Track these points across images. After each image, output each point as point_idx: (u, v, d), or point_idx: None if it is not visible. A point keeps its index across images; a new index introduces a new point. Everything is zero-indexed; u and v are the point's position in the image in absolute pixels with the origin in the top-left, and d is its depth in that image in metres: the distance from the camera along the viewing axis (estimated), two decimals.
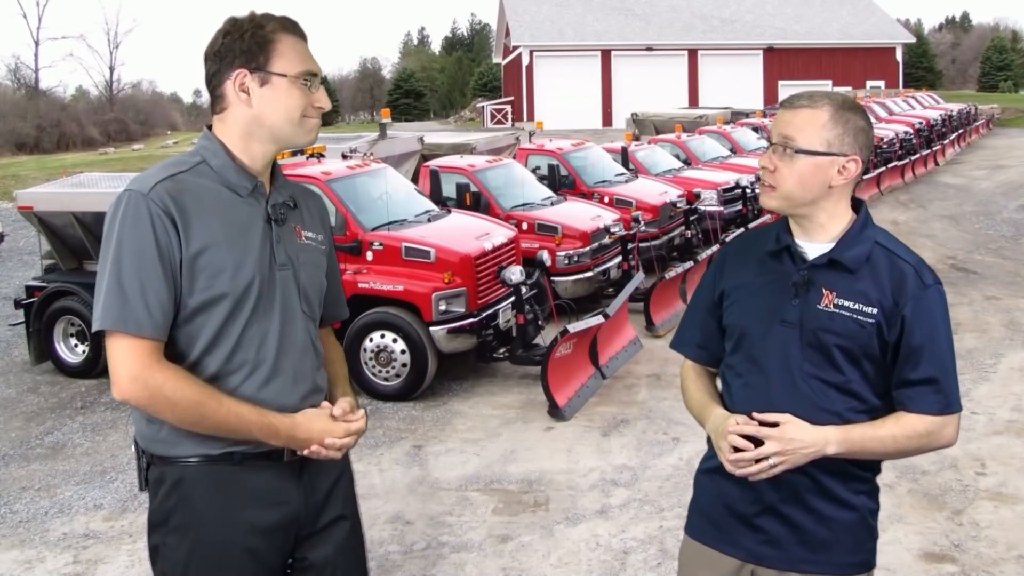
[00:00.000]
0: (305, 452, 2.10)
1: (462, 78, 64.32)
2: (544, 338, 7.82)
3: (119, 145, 41.15)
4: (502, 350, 7.69)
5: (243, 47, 2.08)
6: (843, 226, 2.10)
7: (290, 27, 2.12)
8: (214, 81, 2.12)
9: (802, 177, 2.05)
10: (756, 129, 18.29)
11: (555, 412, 6.79)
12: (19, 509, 5.55)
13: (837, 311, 2.03)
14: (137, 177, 2.08)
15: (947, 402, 2.04)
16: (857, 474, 2.09)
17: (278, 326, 2.10)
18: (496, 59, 53.44)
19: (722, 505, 2.17)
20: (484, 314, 7.55)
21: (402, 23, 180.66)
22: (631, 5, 45.14)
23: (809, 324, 2.04)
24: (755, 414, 2.03)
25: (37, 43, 53.12)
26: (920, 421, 2.03)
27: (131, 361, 1.98)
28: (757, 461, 2.02)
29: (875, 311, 2.02)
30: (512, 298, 7.71)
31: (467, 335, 7.42)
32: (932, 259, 12.33)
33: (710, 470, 2.21)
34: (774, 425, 2.02)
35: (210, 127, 2.16)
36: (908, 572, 4.38)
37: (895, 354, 2.03)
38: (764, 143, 17.60)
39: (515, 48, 43.09)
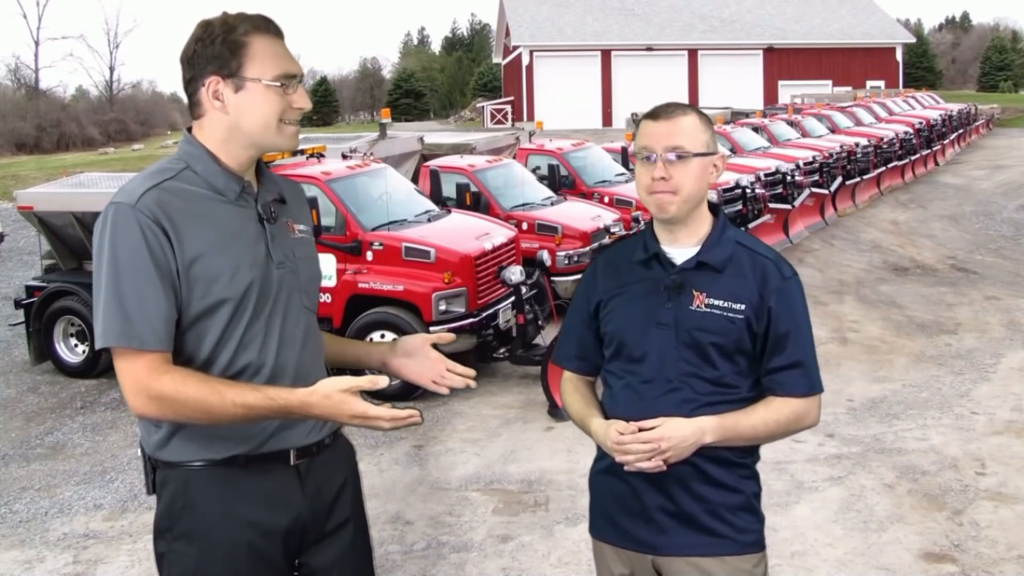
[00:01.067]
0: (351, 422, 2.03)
1: (462, 78, 64.28)
2: (544, 338, 7.83)
3: (119, 145, 41.17)
4: (502, 350, 7.68)
5: (214, 53, 2.02)
6: (706, 229, 2.25)
7: (263, 27, 2.05)
8: (189, 88, 2.08)
9: (696, 179, 2.19)
10: (756, 129, 18.26)
11: (555, 412, 6.78)
12: (19, 509, 5.55)
13: (709, 310, 2.17)
14: (122, 188, 2.02)
15: (811, 383, 2.21)
16: (737, 461, 2.22)
17: (279, 325, 2.08)
18: (496, 59, 53.42)
19: (616, 503, 2.30)
20: (484, 314, 7.54)
21: (402, 23, 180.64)
22: (631, 5, 45.13)
23: (684, 324, 2.18)
24: (633, 424, 2.14)
25: (37, 43, 53.20)
26: (787, 404, 2.19)
27: (135, 375, 1.96)
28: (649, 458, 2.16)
29: (743, 307, 2.16)
30: (512, 298, 7.71)
31: (467, 335, 7.41)
32: (932, 259, 12.35)
33: (602, 471, 2.36)
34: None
35: (191, 130, 2.13)
36: (908, 572, 4.38)
37: (764, 344, 2.18)
38: (765, 143, 17.58)
39: (515, 48, 43.09)
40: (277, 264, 2.09)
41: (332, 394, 1.96)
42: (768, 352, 2.18)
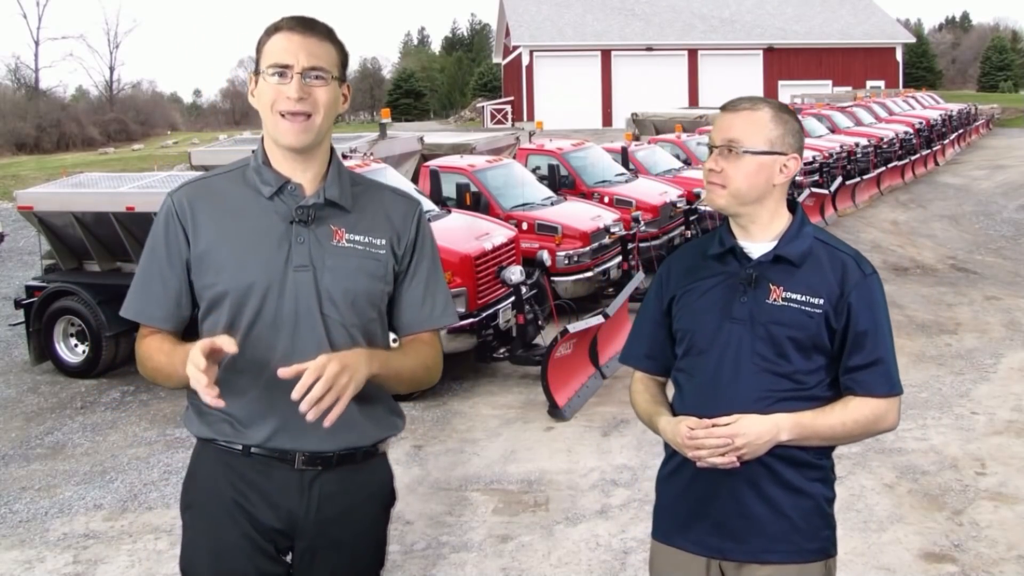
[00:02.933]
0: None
1: (462, 78, 64.28)
2: (544, 338, 7.82)
3: (119, 145, 41.13)
4: (502, 350, 7.68)
5: (255, 55, 2.13)
6: (783, 225, 2.21)
7: (286, 25, 2.10)
8: None
9: (748, 176, 2.15)
10: None
11: (555, 412, 6.79)
12: (19, 509, 5.55)
13: (786, 304, 2.13)
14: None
15: (892, 383, 2.16)
16: (811, 461, 2.17)
17: (290, 327, 2.09)
18: (496, 59, 53.41)
19: (684, 506, 2.25)
20: (484, 314, 7.55)
21: (402, 23, 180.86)
22: (631, 5, 45.13)
23: (760, 319, 2.14)
24: (706, 420, 2.11)
25: (37, 43, 53.19)
26: (867, 404, 2.14)
27: (136, 343, 2.18)
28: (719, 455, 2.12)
29: (821, 301, 2.12)
30: (512, 298, 7.71)
31: (467, 335, 7.41)
32: (932, 259, 12.35)
33: (669, 474, 2.30)
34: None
35: None
36: (908, 572, 4.38)
37: (843, 341, 2.14)
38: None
39: (515, 48, 43.08)
40: (295, 267, 2.09)
41: (190, 352, 1.93)
42: (848, 350, 2.13)
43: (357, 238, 2.15)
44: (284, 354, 2.08)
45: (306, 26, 2.10)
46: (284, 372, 1.93)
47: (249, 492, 2.12)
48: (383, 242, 2.18)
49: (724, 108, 2.21)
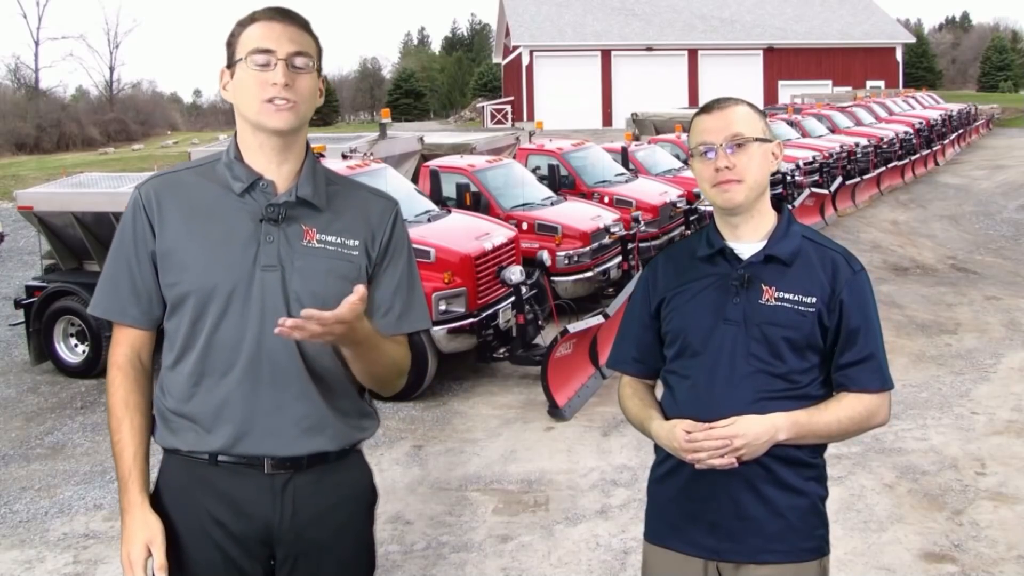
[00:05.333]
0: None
1: (462, 78, 64.30)
2: (544, 338, 7.82)
3: (119, 145, 41.13)
4: (502, 350, 7.68)
5: (226, 49, 2.07)
6: (770, 224, 2.23)
7: (264, 15, 2.04)
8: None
9: (760, 164, 2.17)
10: None
11: (555, 412, 6.78)
12: (19, 509, 5.55)
13: (779, 304, 2.14)
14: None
15: (884, 379, 2.18)
16: (806, 460, 2.19)
17: (256, 328, 2.01)
18: (496, 59, 53.43)
19: (679, 507, 2.25)
20: (484, 314, 7.54)
21: (402, 23, 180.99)
22: (631, 5, 45.14)
23: (753, 319, 2.14)
24: (703, 424, 2.11)
25: (37, 43, 53.06)
26: (860, 400, 2.15)
27: (112, 349, 2.12)
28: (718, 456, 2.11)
29: (814, 300, 2.14)
30: (512, 298, 7.71)
31: (467, 335, 7.41)
32: (932, 259, 12.35)
33: (663, 476, 2.29)
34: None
35: None
36: (908, 572, 4.38)
37: (835, 339, 2.15)
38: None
39: (515, 48, 43.09)
40: (263, 266, 2.02)
41: (135, 528, 2.02)
42: (840, 347, 2.15)
43: (329, 239, 2.07)
44: (250, 356, 2.02)
45: (285, 15, 2.04)
46: None
47: (220, 504, 2.04)
48: (356, 243, 2.10)
49: (708, 111, 2.21)
